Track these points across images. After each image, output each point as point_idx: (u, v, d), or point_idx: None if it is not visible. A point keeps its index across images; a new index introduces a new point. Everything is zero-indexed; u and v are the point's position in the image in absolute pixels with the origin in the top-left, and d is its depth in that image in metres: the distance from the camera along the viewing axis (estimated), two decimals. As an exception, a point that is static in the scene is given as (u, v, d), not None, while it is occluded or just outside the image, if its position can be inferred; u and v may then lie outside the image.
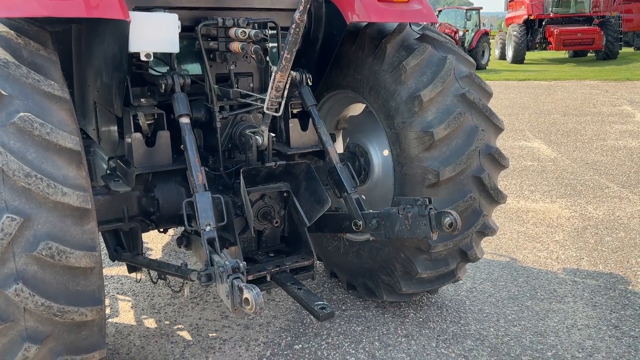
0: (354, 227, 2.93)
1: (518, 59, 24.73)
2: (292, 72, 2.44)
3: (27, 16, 2.10)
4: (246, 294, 1.97)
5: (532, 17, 25.05)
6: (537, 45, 25.39)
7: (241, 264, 2.11)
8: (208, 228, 2.42)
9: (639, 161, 7.40)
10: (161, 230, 3.19)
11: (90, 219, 2.04)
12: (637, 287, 3.87)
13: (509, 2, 29.04)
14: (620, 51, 25.34)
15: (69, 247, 1.93)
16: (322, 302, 2.54)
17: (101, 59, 2.59)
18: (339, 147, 3.90)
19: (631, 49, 30.70)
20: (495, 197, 3.09)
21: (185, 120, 2.63)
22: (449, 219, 2.51)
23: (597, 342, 3.22)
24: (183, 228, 3.11)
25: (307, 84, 3.09)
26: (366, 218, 2.88)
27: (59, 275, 1.95)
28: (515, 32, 25.04)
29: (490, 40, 26.25)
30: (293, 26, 2.29)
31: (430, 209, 2.60)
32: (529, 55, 26.25)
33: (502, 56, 26.81)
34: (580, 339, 3.25)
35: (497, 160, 3.09)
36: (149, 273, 3.03)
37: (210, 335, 3.30)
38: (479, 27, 24.71)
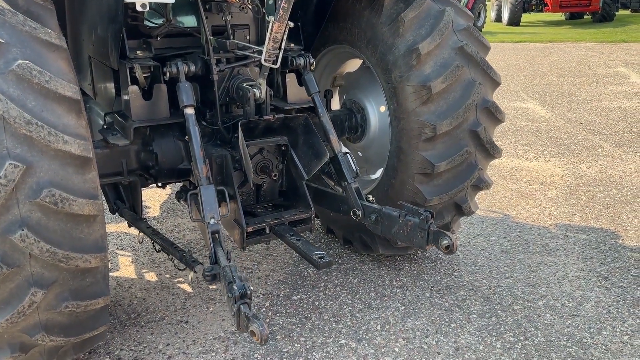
0: (352, 215, 2.97)
1: (514, 21, 24.46)
2: (289, 22, 2.41)
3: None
4: (252, 327, 2.01)
5: (529, -22, 24.73)
6: (533, 7, 25.11)
7: (249, 291, 2.14)
8: (212, 221, 2.45)
9: (632, 121, 7.44)
10: (159, 185, 3.22)
11: (91, 168, 2.05)
12: (627, 241, 3.95)
13: (506, -38, 28.57)
14: (616, 13, 25.12)
15: (72, 195, 1.96)
16: (320, 252, 2.59)
17: (96, 11, 2.56)
18: (336, 104, 3.91)
19: (628, 11, 30.37)
20: (490, 151, 3.12)
21: (190, 111, 2.61)
22: (447, 242, 2.56)
23: (586, 292, 3.31)
24: (181, 183, 3.16)
25: (311, 70, 3.07)
26: (365, 209, 2.93)
27: (63, 222, 1.98)
28: (511, -6, 24.74)
29: (487, 2, 25.89)
30: (292, -25, 2.27)
31: (431, 224, 2.65)
32: (525, 17, 25.93)
33: (498, 18, 26.48)
34: (571, 289, 3.34)
35: (494, 115, 3.10)
36: (153, 243, 3.06)
37: (210, 287, 3.36)
38: (475, -12, 24.33)
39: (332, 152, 2.98)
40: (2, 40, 1.91)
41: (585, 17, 26.21)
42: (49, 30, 2.05)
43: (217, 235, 2.45)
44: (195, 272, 2.63)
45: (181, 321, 3.03)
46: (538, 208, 4.57)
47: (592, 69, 12.06)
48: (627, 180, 5.20)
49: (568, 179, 5.26)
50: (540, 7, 24.81)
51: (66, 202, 1.94)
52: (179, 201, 3.18)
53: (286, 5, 2.35)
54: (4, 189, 1.82)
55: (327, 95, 3.47)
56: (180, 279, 3.47)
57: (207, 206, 2.48)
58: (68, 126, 1.99)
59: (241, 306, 2.10)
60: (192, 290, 3.34)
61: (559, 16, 27.61)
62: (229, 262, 2.34)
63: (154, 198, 4.79)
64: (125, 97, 2.73)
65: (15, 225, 1.88)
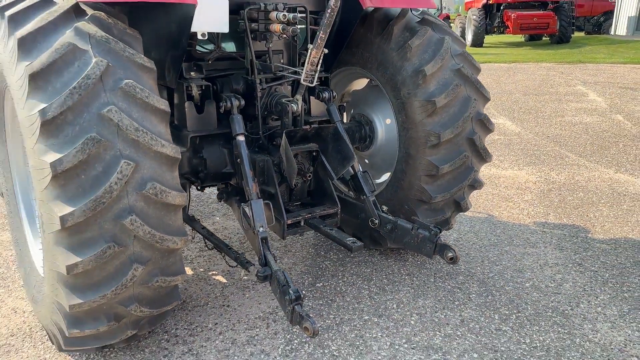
0: (370, 223, 3.48)
1: (477, 42, 25.50)
2: (324, 49, 2.93)
3: (124, 0, 2.54)
4: (306, 324, 2.48)
5: (490, 2, 25.86)
6: (495, 29, 26.20)
7: (301, 294, 2.60)
8: (261, 229, 2.92)
9: (593, 134, 8.22)
10: (198, 188, 3.68)
11: (177, 167, 2.52)
12: (595, 235, 4.58)
13: (468, -14, 29.90)
14: (572, 35, 26.56)
15: (167, 188, 2.42)
16: (352, 238, 3.10)
17: (163, 38, 3.02)
18: (344, 117, 4.44)
19: (582, 33, 32.11)
20: (484, 155, 3.70)
21: (241, 138, 3.11)
22: (451, 254, 3.06)
23: (565, 275, 3.89)
24: (223, 185, 3.62)
25: (332, 101, 3.60)
26: (382, 220, 3.45)
27: (159, 210, 2.43)
28: (474, 16, 25.79)
29: (450, 24, 27.04)
30: (328, 11, 2.80)
31: (439, 238, 3.16)
32: (488, 38, 27.15)
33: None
34: (551, 273, 3.92)
35: (486, 125, 3.68)
36: (205, 241, 3.50)
37: (242, 278, 3.81)
38: (441, 11, 25.43)
39: (353, 171, 3.50)
40: (110, 64, 2.37)
41: (544, 39, 27.63)
42: (142, 55, 2.52)
43: (265, 241, 2.93)
44: (249, 271, 3.08)
45: (223, 305, 3.48)
46: (517, 209, 5.19)
47: (554, 87, 12.97)
48: (592, 185, 5.88)
49: (541, 184, 5.91)
50: (502, 29, 25.98)
51: (163, 194, 2.39)
52: (220, 201, 3.65)
53: (323, 36, 2.87)
54: (120, 182, 2.27)
55: (341, 110, 4.00)
56: (213, 272, 3.92)
57: (257, 217, 2.95)
58: (162, 133, 2.45)
59: (295, 307, 2.57)
60: (226, 281, 3.79)
61: (519, 38, 29.01)
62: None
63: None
64: (182, 111, 3.20)
65: (125, 211, 2.32)
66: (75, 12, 2.50)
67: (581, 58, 19.39)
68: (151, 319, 2.78)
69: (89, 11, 2.53)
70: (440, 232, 3.20)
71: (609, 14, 31.92)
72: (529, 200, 5.44)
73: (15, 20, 2.46)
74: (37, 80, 2.26)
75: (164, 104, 2.47)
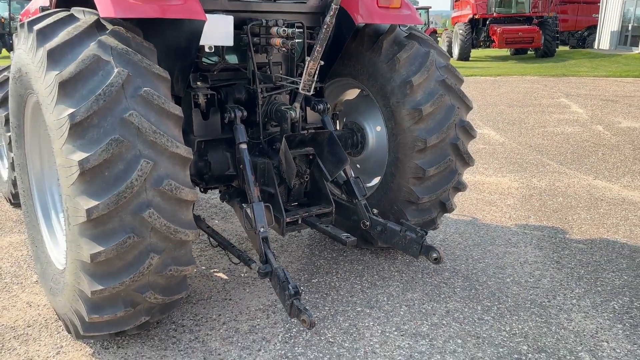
0: (361, 225, 3.76)
1: (464, 56, 26.07)
2: (321, 61, 3.22)
3: (142, 17, 2.80)
4: (303, 317, 2.74)
5: (476, 17, 26.52)
6: (481, 43, 26.79)
7: (299, 290, 2.88)
8: (262, 229, 3.20)
9: (574, 144, 8.58)
10: (202, 190, 3.93)
11: (188, 166, 2.78)
12: (573, 236, 4.89)
13: (455, 1, 30.54)
14: (557, 49, 27.22)
15: (181, 185, 2.68)
16: (346, 234, 3.38)
17: (173, 50, 3.29)
18: (337, 125, 4.73)
19: (567, 47, 32.88)
20: (467, 160, 3.99)
21: (243, 146, 3.41)
22: (436, 255, 3.35)
23: (543, 272, 4.19)
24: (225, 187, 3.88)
25: (327, 113, 3.89)
26: (372, 222, 3.73)
27: (173, 205, 2.69)
28: (461, 31, 26.38)
29: (437, 39, 27.59)
30: (324, 26, 3.10)
31: (425, 240, 3.45)
32: (474, 52, 27.72)
33: (449, 53, 28.22)
34: (531, 270, 4.21)
35: (468, 132, 3.98)
36: (209, 239, 3.76)
37: (242, 275, 4.07)
38: (428, 26, 25.97)
39: (346, 176, 3.78)
40: (130, 74, 2.64)
41: (529, 52, 28.26)
42: (157, 66, 2.79)
43: (266, 240, 3.20)
44: (251, 268, 3.34)
45: (225, 299, 3.73)
46: (500, 212, 5.49)
47: (537, 99, 13.40)
48: (572, 190, 6.21)
49: (523, 190, 6.24)
50: (488, 44, 26.58)
51: (178, 190, 2.66)
52: (222, 202, 3.91)
53: (320, 49, 3.17)
54: (139, 179, 2.53)
55: (334, 118, 4.30)
56: (215, 270, 4.17)
57: (259, 218, 3.23)
58: (176, 136, 2.72)
59: (294, 301, 2.84)
60: (227, 277, 4.04)
61: (505, 52, 29.66)
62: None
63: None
64: (189, 118, 3.47)
65: (144, 205, 2.58)
66: (97, 27, 2.77)
67: (565, 71, 19.95)
68: (162, 307, 3.02)
69: (109, 26, 2.80)
70: (426, 235, 3.49)
71: (592, 28, 32.77)
72: (511, 204, 5.75)
73: (43, 34, 2.73)
74: (66, 87, 2.53)
75: (177, 110, 2.75)
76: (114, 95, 2.54)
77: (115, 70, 2.57)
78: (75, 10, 2.89)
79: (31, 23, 2.86)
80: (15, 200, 5.45)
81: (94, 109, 2.49)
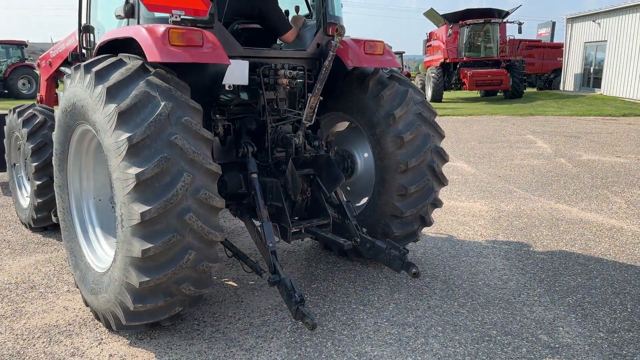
0: (352, 241, 4.36)
1: (436, 97, 27.11)
2: (320, 97, 3.93)
3: (182, 61, 3.48)
4: (307, 320, 3.37)
5: (447, 61, 27.81)
6: (452, 86, 27.81)
7: (304, 298, 3.50)
8: (271, 245, 3.82)
9: (538, 174, 9.42)
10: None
11: (216, 181, 3.42)
12: (536, 249, 5.60)
13: (427, 46, 32.02)
14: (525, 91, 28.63)
15: (213, 194, 3.31)
16: (343, 239, 4.03)
17: (201, 88, 3.93)
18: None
19: (534, 89, 34.56)
20: (441, 180, 4.70)
21: (254, 175, 4.05)
22: (415, 270, 4.04)
23: (510, 276, 4.87)
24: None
25: (321, 148, 4.56)
26: (362, 239, 4.38)
27: (206, 211, 3.31)
28: (433, 74, 27.55)
29: (412, 81, 28.78)
30: (324, 69, 3.83)
31: (406, 257, 4.13)
32: (446, 94, 28.96)
33: (423, 95, 29.38)
34: (499, 275, 4.89)
35: (442, 156, 4.71)
36: (225, 250, 4.36)
37: (250, 283, 4.66)
38: (402, 70, 27.16)
39: (339, 200, 4.43)
40: (173, 106, 3.30)
41: (498, 94, 29.61)
42: (192, 100, 3.46)
43: (275, 254, 3.80)
44: (262, 277, 3.95)
45: (238, 301, 4.31)
46: (472, 231, 6.20)
47: (505, 136, 14.38)
48: (535, 213, 6.97)
49: (492, 213, 6.97)
50: (459, 86, 27.65)
51: (210, 198, 3.29)
52: (235, 217, 4.54)
53: (320, 87, 3.89)
54: (182, 189, 3.16)
55: (328, 147, 4.99)
56: (225, 279, 4.75)
57: (268, 235, 3.85)
58: (208, 155, 3.36)
59: (300, 307, 3.44)
60: (237, 285, 4.62)
61: (476, 93, 31.01)
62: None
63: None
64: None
65: (186, 210, 3.20)
66: (143, 69, 3.45)
67: (532, 111, 21.17)
68: (192, 300, 3.60)
69: (151, 69, 3.48)
70: (407, 252, 4.16)
71: (557, 71, 34.56)
72: (482, 224, 6.46)
73: (100, 75, 3.39)
74: (124, 116, 3.18)
75: (209, 135, 3.41)
76: (161, 123, 3.19)
77: (162, 103, 3.23)
78: (123, 56, 3.57)
79: (88, 66, 3.52)
80: (35, 225, 5.98)
81: (147, 134, 3.13)
